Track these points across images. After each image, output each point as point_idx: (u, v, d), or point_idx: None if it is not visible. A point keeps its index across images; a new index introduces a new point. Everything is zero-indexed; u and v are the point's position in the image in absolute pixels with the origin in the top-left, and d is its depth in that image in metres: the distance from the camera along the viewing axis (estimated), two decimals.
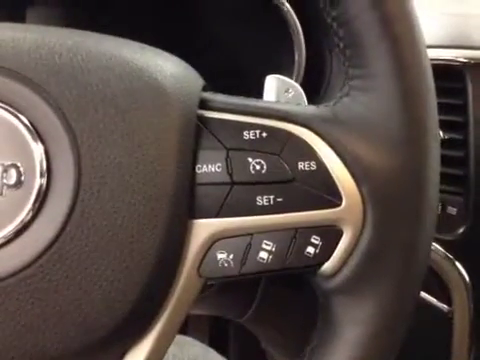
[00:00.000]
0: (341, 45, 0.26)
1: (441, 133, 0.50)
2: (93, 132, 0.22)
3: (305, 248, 0.24)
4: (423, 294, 0.49)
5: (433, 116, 0.25)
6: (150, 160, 0.22)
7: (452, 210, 0.49)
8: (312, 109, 0.26)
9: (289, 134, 0.25)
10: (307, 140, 0.25)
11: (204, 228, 0.24)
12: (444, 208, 0.49)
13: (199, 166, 0.24)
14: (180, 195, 0.23)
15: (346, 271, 0.25)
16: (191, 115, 0.24)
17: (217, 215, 0.24)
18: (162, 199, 0.22)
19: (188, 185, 0.24)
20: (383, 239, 0.24)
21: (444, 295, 0.49)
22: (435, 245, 0.49)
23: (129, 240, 0.22)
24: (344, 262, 0.25)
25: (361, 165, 0.24)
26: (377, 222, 0.24)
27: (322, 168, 0.24)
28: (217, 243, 0.24)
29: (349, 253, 0.25)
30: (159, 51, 0.26)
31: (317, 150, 0.24)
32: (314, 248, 0.25)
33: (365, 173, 0.24)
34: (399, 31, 0.24)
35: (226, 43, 0.48)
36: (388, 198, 0.24)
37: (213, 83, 0.29)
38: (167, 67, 0.24)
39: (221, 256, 0.24)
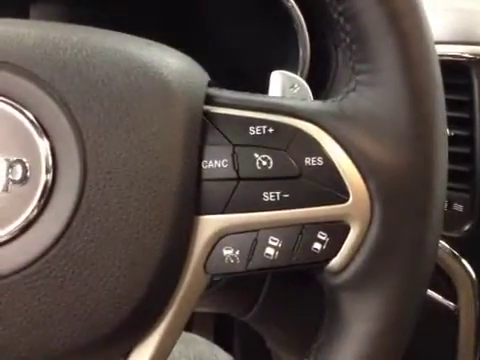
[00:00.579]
0: (347, 40, 0.25)
1: (447, 130, 0.50)
2: (99, 127, 0.22)
3: (312, 244, 0.24)
4: (429, 291, 0.49)
5: (441, 112, 0.25)
6: (156, 155, 0.22)
7: (458, 207, 0.49)
8: (318, 104, 0.26)
9: (295, 130, 0.24)
10: (314, 135, 0.24)
11: (210, 224, 0.24)
12: (450, 205, 0.49)
13: (205, 162, 0.24)
14: (186, 191, 0.23)
15: (353, 267, 0.25)
16: (197, 110, 0.24)
17: (223, 211, 0.24)
18: (168, 195, 0.22)
19: (194, 181, 0.23)
20: (390, 235, 0.24)
21: (450, 292, 0.49)
22: (441, 242, 0.49)
23: (135, 236, 0.22)
24: (351, 258, 0.25)
25: (368, 160, 0.24)
26: (384, 218, 0.24)
27: (329, 164, 0.24)
28: (223, 239, 0.24)
29: (356, 249, 0.24)
30: (165, 47, 0.26)
31: (324, 145, 0.24)
32: (321, 244, 0.24)
33: (372, 169, 0.24)
34: (406, 26, 0.24)
35: (230, 39, 0.48)
36: (395, 194, 0.24)
37: (218, 80, 0.28)
38: (173, 62, 0.24)
39: (227, 252, 0.24)
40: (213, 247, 0.24)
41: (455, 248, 0.49)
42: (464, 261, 0.48)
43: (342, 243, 0.24)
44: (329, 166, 0.24)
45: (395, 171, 0.24)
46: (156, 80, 0.23)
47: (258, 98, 0.26)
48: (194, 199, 0.23)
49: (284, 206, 0.24)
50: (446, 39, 0.53)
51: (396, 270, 0.24)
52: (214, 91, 0.25)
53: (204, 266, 0.24)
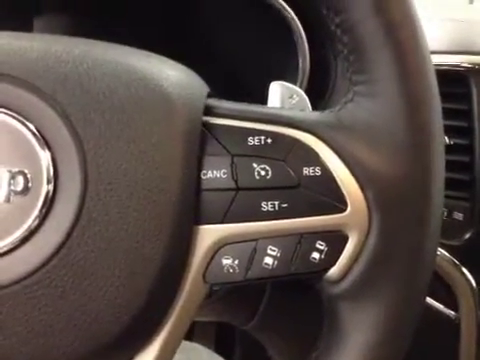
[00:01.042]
0: (345, 51, 0.26)
1: (446, 138, 0.50)
2: (99, 139, 0.22)
3: (310, 253, 0.25)
4: (430, 300, 0.49)
5: (438, 121, 0.25)
6: (156, 166, 0.23)
7: (458, 215, 0.49)
8: (316, 115, 0.26)
9: (294, 140, 0.25)
10: (312, 146, 0.25)
11: (209, 234, 0.24)
12: (450, 213, 0.49)
13: (204, 172, 0.24)
14: (185, 201, 0.23)
15: (352, 276, 0.25)
16: (196, 121, 0.24)
17: (222, 221, 0.24)
18: (167, 205, 0.23)
19: (193, 191, 0.24)
20: (388, 244, 0.24)
21: (451, 301, 0.49)
22: (441, 251, 0.49)
23: (134, 246, 0.22)
24: (350, 267, 0.25)
25: (366, 170, 0.24)
26: (382, 227, 0.24)
27: (327, 174, 0.24)
28: (222, 249, 0.24)
29: (355, 258, 0.25)
30: (164, 59, 0.26)
31: (322, 156, 0.24)
32: (319, 253, 0.25)
33: (370, 178, 0.24)
34: (403, 37, 0.24)
35: (231, 50, 0.48)
36: (393, 203, 0.24)
37: (218, 90, 0.29)
38: (172, 74, 0.25)
39: (226, 262, 0.24)
40: (212, 256, 0.24)
41: (455, 256, 0.49)
42: (464, 269, 0.49)
43: (340, 252, 0.25)
44: (327, 176, 0.24)
45: (393, 180, 0.24)
46: (156, 92, 0.23)
47: (257, 109, 0.26)
48: (193, 209, 0.24)
49: (283, 216, 0.24)
50: (445, 49, 0.53)
51: (394, 279, 0.24)
52: (213, 102, 0.26)
53: (203, 275, 0.24)
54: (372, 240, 0.24)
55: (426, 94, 0.25)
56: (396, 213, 0.24)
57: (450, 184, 0.50)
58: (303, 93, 0.30)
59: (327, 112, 0.26)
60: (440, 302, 0.49)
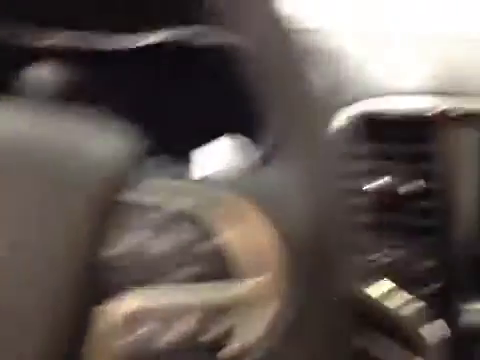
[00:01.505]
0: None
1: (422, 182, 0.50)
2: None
3: (220, 324, 0.24)
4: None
5: (335, 185, 0.27)
6: (62, 243, 0.23)
7: (430, 263, 0.48)
8: (225, 183, 0.27)
9: (200, 212, 0.25)
10: (218, 216, 0.25)
11: (115, 308, 0.24)
12: (420, 262, 0.49)
13: (111, 247, 0.24)
14: (90, 277, 0.23)
15: (264, 345, 0.25)
16: (108, 198, 0.24)
17: (128, 294, 0.24)
18: (70, 283, 0.23)
19: (99, 267, 0.24)
20: (299, 309, 0.25)
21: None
22: (414, 302, 0.48)
23: (37, 327, 0.22)
24: (262, 336, 0.25)
25: (273, 238, 0.25)
26: (292, 293, 0.25)
27: (234, 243, 0.25)
28: (131, 321, 0.24)
29: (266, 326, 0.25)
30: (99, 129, 0.26)
31: (228, 225, 0.25)
32: (228, 324, 0.24)
33: (278, 245, 0.25)
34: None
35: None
36: (302, 269, 0.25)
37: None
38: (95, 150, 0.25)
39: (136, 333, 0.24)
40: (122, 330, 0.24)
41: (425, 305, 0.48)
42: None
43: (251, 321, 0.25)
44: (234, 246, 0.25)
45: (300, 246, 0.25)
46: (70, 167, 0.24)
47: (168, 183, 0.26)
48: (99, 286, 0.24)
49: (192, 286, 0.24)
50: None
51: (306, 344, 0.25)
52: (128, 176, 0.25)
53: (112, 351, 0.24)
54: (283, 307, 0.25)
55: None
56: (305, 277, 0.25)
57: (422, 231, 0.49)
58: (250, 145, 0.31)
59: (237, 178, 0.27)
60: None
